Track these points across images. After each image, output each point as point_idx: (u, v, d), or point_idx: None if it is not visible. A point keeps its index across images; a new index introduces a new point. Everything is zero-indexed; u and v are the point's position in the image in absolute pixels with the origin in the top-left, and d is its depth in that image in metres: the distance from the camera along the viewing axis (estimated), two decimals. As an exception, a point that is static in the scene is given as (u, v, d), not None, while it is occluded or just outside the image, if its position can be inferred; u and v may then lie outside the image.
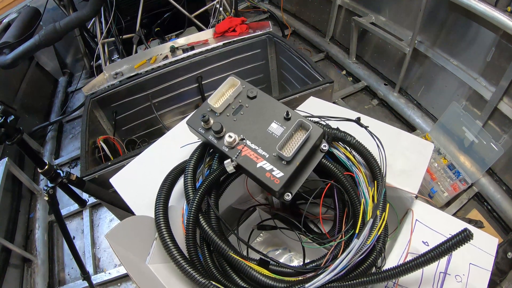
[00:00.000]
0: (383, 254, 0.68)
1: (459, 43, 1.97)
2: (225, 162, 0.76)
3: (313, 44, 3.20)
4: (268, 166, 0.75)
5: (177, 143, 0.96)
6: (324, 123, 0.89)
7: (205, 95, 2.17)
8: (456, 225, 0.82)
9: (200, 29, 2.68)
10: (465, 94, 1.99)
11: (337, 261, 0.64)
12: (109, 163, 1.42)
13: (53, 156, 2.71)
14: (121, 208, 1.49)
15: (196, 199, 0.75)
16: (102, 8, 2.38)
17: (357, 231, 0.69)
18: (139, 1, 2.35)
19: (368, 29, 2.45)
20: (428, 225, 0.80)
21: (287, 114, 0.78)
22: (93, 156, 1.64)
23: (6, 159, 2.14)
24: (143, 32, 2.38)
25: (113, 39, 2.41)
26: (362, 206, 0.73)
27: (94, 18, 2.49)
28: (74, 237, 2.14)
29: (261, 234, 1.18)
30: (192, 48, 2.13)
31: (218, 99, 0.82)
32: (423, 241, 0.77)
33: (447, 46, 2.05)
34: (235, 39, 2.04)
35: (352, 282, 0.64)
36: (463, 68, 1.95)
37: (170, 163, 0.89)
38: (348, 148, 0.86)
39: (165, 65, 1.94)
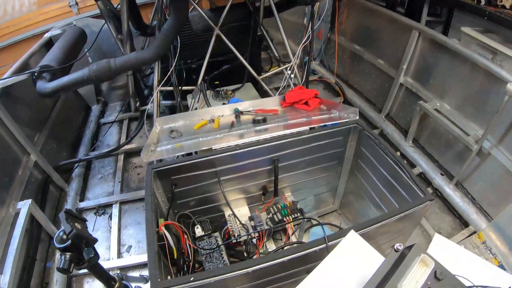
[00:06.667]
0: None
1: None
2: None
3: (366, 117, 3.05)
4: None
5: None
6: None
7: (278, 177, 1.87)
8: None
9: (257, 87, 2.53)
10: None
11: None
12: (192, 278, 1.09)
13: (78, 197, 2.46)
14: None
15: None
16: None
17: None
18: (203, 49, 2.16)
19: (433, 116, 2.37)
20: None
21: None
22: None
23: (30, 201, 1.91)
24: (204, 87, 2.21)
25: (171, 88, 2.24)
26: None
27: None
28: None
29: None
30: (265, 119, 1.94)
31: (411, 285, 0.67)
32: None
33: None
34: (321, 125, 1.85)
35: None
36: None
37: None
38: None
39: (238, 146, 1.71)
